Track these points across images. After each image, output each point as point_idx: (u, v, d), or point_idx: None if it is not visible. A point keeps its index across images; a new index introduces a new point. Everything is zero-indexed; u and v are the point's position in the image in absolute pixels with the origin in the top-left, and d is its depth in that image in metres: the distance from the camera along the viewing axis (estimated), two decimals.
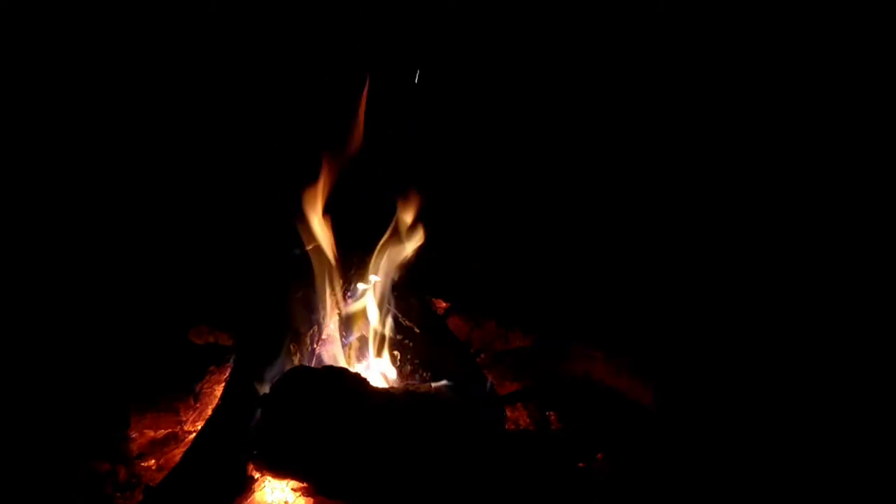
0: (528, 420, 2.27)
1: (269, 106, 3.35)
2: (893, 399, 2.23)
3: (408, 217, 2.32)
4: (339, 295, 2.30)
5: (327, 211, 2.28)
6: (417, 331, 2.29)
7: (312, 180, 2.27)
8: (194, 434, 2.07)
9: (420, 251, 2.35)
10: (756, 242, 3.06)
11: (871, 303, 2.65)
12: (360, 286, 2.36)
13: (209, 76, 3.33)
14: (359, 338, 2.35)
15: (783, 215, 3.10)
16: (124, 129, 3.32)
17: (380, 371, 2.25)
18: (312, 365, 2.17)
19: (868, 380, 2.35)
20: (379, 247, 2.34)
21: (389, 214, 2.36)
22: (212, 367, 2.27)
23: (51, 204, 3.13)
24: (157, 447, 2.14)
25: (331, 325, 2.33)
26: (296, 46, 3.30)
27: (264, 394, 1.83)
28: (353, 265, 2.39)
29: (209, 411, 2.10)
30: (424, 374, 2.19)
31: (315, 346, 2.23)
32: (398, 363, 2.26)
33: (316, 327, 2.22)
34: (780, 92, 3.20)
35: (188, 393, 2.22)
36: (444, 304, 2.78)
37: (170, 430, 2.18)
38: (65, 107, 3.22)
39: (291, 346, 2.09)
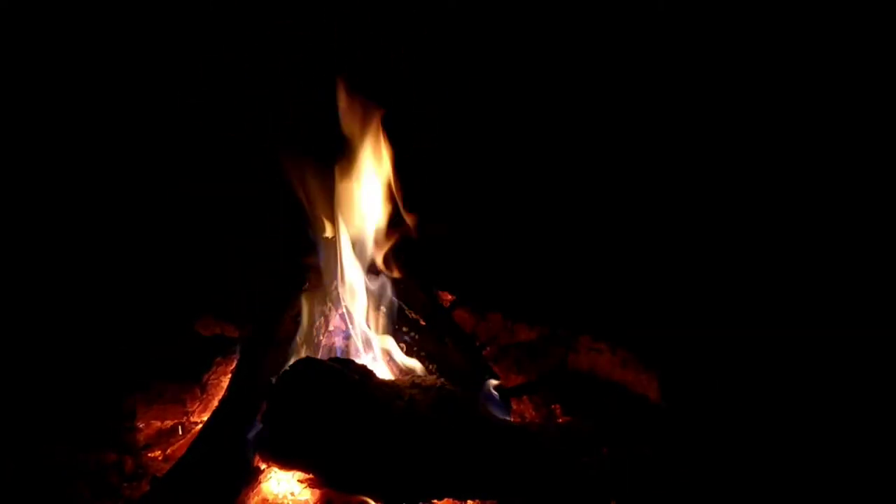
0: (533, 413, 2.27)
1: (271, 102, 3.35)
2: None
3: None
4: (346, 287, 2.30)
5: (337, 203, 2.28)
6: (423, 323, 2.30)
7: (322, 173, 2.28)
8: (201, 425, 2.08)
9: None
10: (761, 235, 3.05)
11: (873, 295, 2.65)
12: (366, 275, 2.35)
13: (213, 71, 3.33)
14: (365, 330, 2.35)
15: (786, 211, 3.08)
16: (130, 124, 3.32)
17: (386, 363, 2.25)
18: (318, 356, 2.18)
19: (871, 374, 2.34)
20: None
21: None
22: (218, 359, 2.28)
23: (60, 197, 3.14)
24: (163, 438, 2.15)
25: (337, 317, 2.33)
26: (296, 45, 3.29)
27: (271, 385, 1.84)
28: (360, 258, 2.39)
29: (216, 402, 2.10)
30: (430, 367, 2.20)
31: (321, 337, 2.23)
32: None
33: (322, 319, 2.22)
34: (782, 91, 3.18)
35: (195, 384, 2.22)
36: (450, 297, 2.77)
37: (176, 420, 2.19)
38: (77, 101, 3.23)
39: (298, 338, 2.09)
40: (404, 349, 2.25)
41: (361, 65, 3.24)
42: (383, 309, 2.29)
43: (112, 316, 2.64)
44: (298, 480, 1.84)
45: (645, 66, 3.36)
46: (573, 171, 3.45)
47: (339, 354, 2.24)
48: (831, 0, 3.04)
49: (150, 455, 2.08)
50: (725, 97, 3.27)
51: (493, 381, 2.15)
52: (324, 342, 2.25)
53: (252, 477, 1.79)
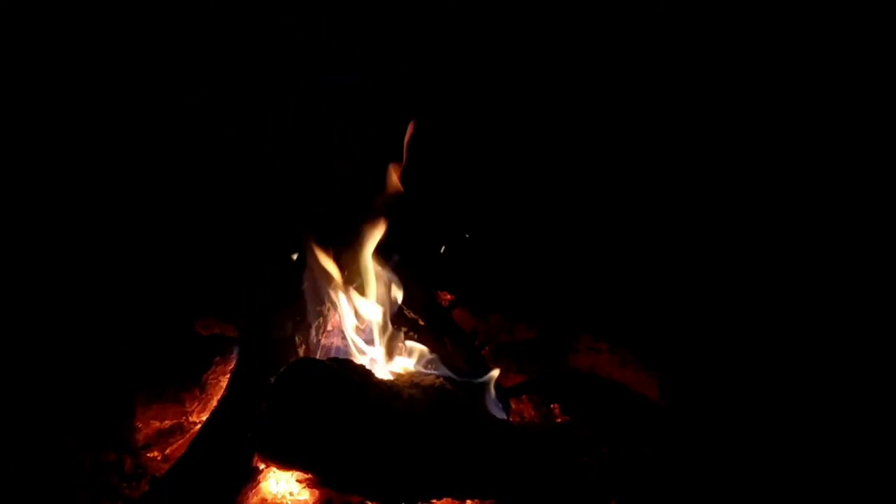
0: (532, 412, 2.27)
1: (273, 102, 3.36)
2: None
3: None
4: (344, 287, 2.29)
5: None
6: (422, 323, 2.29)
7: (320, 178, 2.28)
8: (200, 425, 2.08)
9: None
10: (760, 236, 3.05)
11: (873, 295, 2.64)
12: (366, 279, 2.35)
13: (213, 71, 3.33)
14: (363, 329, 2.34)
15: (785, 211, 3.08)
16: (131, 124, 3.33)
17: (384, 363, 2.25)
18: (317, 356, 2.17)
19: (871, 374, 2.33)
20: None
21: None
22: (217, 358, 2.27)
23: (61, 197, 3.15)
24: (162, 438, 2.14)
25: (336, 317, 2.33)
26: (296, 46, 3.29)
27: (269, 385, 1.83)
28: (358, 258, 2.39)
29: (215, 402, 2.10)
30: (429, 366, 2.19)
31: (320, 337, 2.23)
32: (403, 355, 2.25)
33: (321, 319, 2.22)
34: (783, 92, 3.18)
35: (194, 384, 2.22)
36: (449, 297, 2.77)
37: (175, 420, 2.18)
38: (77, 101, 3.23)
39: (297, 338, 2.09)
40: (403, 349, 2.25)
41: (361, 64, 3.25)
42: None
43: (112, 315, 2.64)
44: (297, 480, 1.83)
45: (644, 66, 3.36)
46: (574, 171, 3.45)
47: (337, 354, 2.24)
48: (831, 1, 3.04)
49: (148, 455, 2.08)
50: (724, 98, 3.27)
51: (494, 374, 2.14)
52: (323, 342, 2.25)
53: (251, 477, 1.79)
